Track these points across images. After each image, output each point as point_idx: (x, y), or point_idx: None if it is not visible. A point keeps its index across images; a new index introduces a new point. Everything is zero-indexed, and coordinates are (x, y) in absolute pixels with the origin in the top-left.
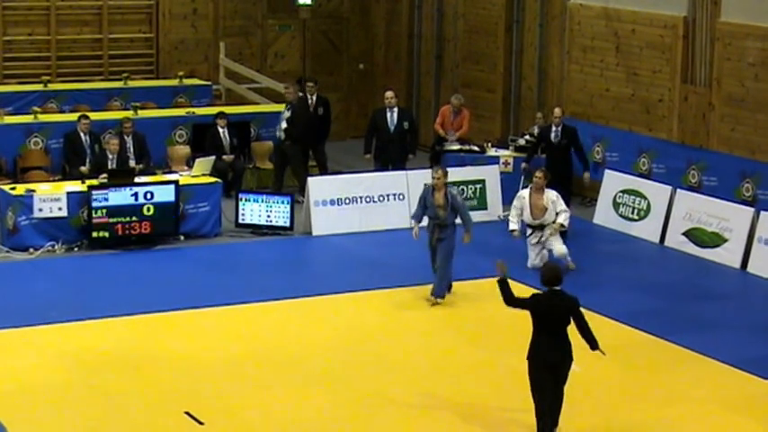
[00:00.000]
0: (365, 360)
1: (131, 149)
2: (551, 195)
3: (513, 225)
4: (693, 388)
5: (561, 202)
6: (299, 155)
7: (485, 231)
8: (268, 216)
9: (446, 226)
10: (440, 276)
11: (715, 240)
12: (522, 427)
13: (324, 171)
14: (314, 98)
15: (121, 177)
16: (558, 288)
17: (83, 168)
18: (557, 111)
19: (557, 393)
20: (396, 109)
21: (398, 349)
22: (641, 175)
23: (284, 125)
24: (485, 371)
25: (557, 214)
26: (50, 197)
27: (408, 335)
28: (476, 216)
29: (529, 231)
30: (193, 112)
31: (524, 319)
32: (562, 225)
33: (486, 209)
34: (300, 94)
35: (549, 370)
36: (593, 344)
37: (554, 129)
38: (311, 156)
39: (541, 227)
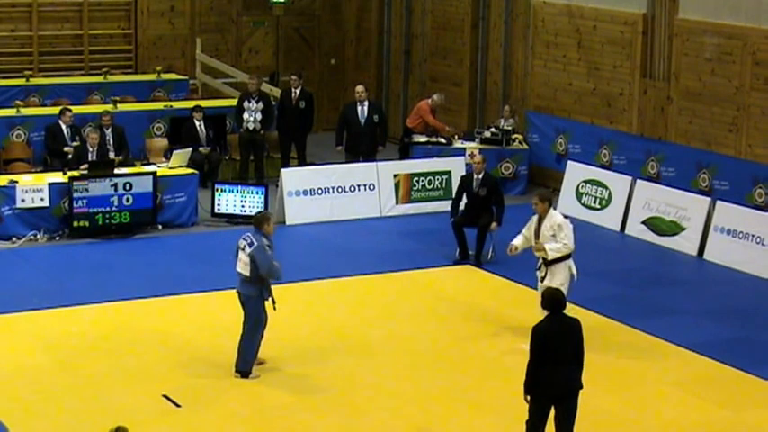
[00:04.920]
0: (339, 345)
1: (111, 142)
2: (557, 219)
3: (515, 241)
4: (650, 370)
5: (567, 231)
6: (263, 146)
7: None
8: (243, 206)
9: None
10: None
11: (673, 229)
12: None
13: (302, 163)
14: (297, 91)
15: (101, 169)
16: (563, 313)
17: (66, 149)
18: (477, 158)
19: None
20: (366, 102)
21: (372, 333)
22: (602, 167)
23: (259, 116)
24: (461, 353)
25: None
26: (33, 188)
27: (382, 320)
28: (442, 206)
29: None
30: (171, 106)
31: (497, 303)
32: (546, 250)
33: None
34: (269, 86)
35: (555, 403)
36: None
37: (475, 176)
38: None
39: (545, 262)
